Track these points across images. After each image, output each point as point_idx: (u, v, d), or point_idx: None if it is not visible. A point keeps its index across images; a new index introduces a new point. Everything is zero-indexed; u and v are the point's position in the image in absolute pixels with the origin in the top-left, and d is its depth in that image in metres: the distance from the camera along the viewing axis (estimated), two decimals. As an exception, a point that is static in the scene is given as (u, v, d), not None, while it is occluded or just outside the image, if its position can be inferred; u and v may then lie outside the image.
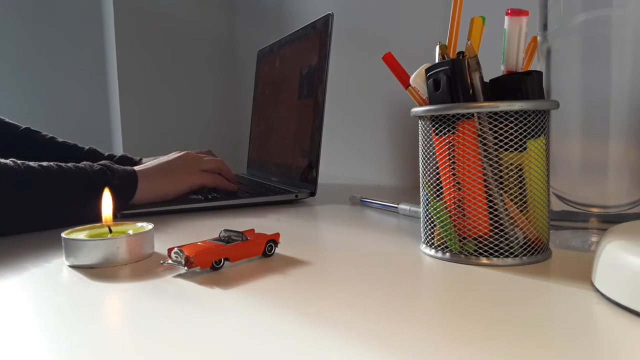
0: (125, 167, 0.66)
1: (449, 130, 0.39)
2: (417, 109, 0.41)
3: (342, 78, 1.07)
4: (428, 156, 0.41)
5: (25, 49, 1.43)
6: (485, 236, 0.38)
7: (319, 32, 0.79)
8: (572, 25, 0.42)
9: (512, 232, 0.38)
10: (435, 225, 0.41)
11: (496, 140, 0.38)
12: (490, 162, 0.38)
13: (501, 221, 0.38)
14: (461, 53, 0.39)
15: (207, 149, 0.95)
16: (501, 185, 0.38)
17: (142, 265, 0.41)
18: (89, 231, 0.45)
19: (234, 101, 1.61)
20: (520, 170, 0.38)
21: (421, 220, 0.43)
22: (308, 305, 0.31)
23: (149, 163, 0.71)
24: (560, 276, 0.35)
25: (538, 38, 0.45)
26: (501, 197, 0.38)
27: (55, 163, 0.59)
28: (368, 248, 0.46)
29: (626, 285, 0.29)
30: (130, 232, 0.44)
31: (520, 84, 0.38)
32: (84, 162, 0.62)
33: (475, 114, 0.38)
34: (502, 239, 0.38)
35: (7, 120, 0.86)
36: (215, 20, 1.57)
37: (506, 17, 0.40)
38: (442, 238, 0.40)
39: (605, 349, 0.24)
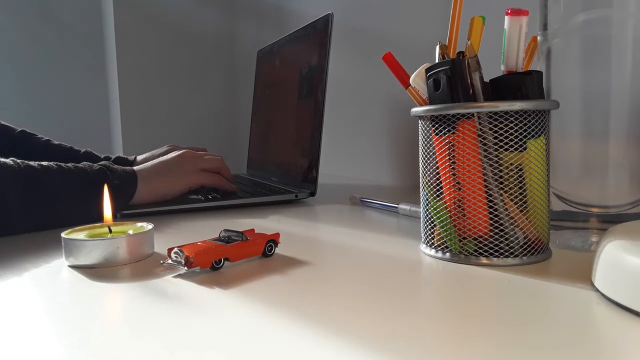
0: (124, 168, 0.66)
1: (449, 130, 0.39)
2: (417, 109, 0.41)
3: (342, 78, 1.07)
4: (428, 156, 0.41)
5: (25, 48, 1.43)
6: (485, 236, 0.38)
7: (319, 32, 0.79)
8: (572, 25, 0.42)
9: (512, 232, 0.38)
10: (435, 225, 0.41)
11: (496, 140, 0.38)
12: (490, 162, 0.38)
13: (501, 221, 0.38)
14: (461, 53, 0.39)
15: (204, 148, 0.93)
16: (501, 185, 0.38)
17: (142, 265, 0.41)
18: (89, 231, 0.45)
19: (234, 101, 1.61)
20: (520, 170, 0.38)
21: (421, 220, 0.43)
22: (308, 306, 0.31)
23: (148, 163, 0.71)
24: (560, 276, 0.35)
25: (538, 38, 0.45)
26: (501, 197, 0.38)
27: (55, 163, 0.59)
28: (368, 248, 0.46)
29: (626, 285, 0.29)
30: (130, 232, 0.44)
31: (520, 84, 0.38)
32: (84, 163, 0.62)
33: (475, 114, 0.38)
34: (502, 239, 0.38)
35: (2, 122, 0.86)
36: (215, 20, 1.57)
37: (506, 17, 0.40)
38: (442, 238, 0.40)
39: (606, 349, 0.24)
